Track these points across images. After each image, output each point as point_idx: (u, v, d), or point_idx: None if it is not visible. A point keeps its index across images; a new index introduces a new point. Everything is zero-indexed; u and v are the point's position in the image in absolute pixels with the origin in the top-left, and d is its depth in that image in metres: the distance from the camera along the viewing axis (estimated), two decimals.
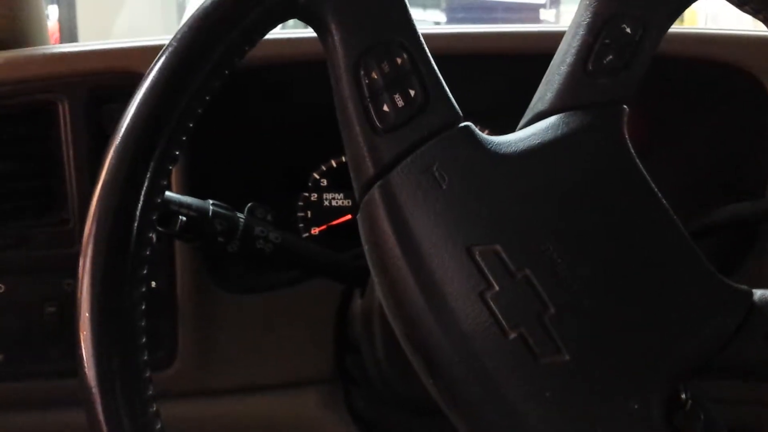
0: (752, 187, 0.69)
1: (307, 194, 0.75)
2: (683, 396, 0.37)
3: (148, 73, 0.39)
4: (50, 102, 0.63)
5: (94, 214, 0.38)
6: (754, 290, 0.37)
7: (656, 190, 0.38)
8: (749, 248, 0.69)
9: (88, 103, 0.64)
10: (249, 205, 0.58)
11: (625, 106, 0.39)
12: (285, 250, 0.59)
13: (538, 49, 0.51)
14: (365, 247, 0.40)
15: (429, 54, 0.39)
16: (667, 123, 0.70)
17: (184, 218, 0.52)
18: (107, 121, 0.63)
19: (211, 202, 0.56)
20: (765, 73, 0.67)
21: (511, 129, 0.41)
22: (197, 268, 0.66)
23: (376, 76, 0.38)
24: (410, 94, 0.38)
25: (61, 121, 0.63)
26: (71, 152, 0.64)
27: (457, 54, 0.64)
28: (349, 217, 0.76)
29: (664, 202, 0.37)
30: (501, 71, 0.67)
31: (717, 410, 0.52)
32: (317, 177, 0.75)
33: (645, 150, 0.38)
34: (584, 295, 0.36)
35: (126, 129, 0.38)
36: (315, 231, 0.76)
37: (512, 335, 0.36)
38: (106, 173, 0.38)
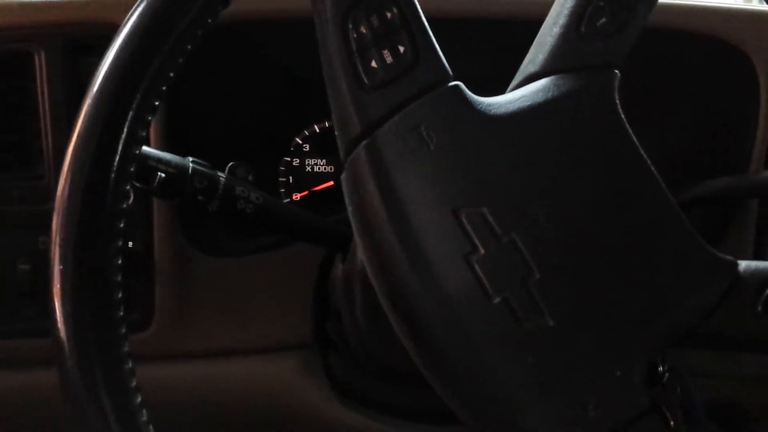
0: (737, 161, 0.69)
1: (289, 159, 0.74)
2: (661, 368, 0.37)
3: (126, 22, 0.37)
4: (25, 52, 0.62)
5: (69, 165, 0.37)
6: (739, 261, 0.37)
7: (645, 156, 0.37)
8: (731, 223, 0.70)
9: (65, 54, 0.62)
10: (230, 164, 0.57)
11: (617, 71, 0.38)
12: (266, 211, 0.58)
13: (531, 15, 0.50)
14: (349, 208, 0.39)
15: (420, 10, 0.38)
16: (655, 95, 0.70)
17: (163, 175, 0.51)
18: (84, 75, 0.62)
19: (191, 159, 0.54)
20: (753, 49, 0.67)
21: (502, 93, 0.40)
22: (176, 229, 0.65)
23: (364, 31, 0.37)
24: (399, 51, 0.37)
25: (37, 72, 0.62)
26: (47, 105, 0.62)
27: (449, 17, 0.63)
28: (331, 183, 0.75)
29: (653, 169, 0.37)
30: (493, 36, 0.66)
31: (695, 383, 0.52)
32: (300, 142, 0.74)
33: (631, 120, 0.38)
34: (570, 260, 0.35)
35: (103, 78, 0.37)
36: (296, 197, 0.75)
37: (496, 299, 0.35)
38: (83, 123, 0.37)
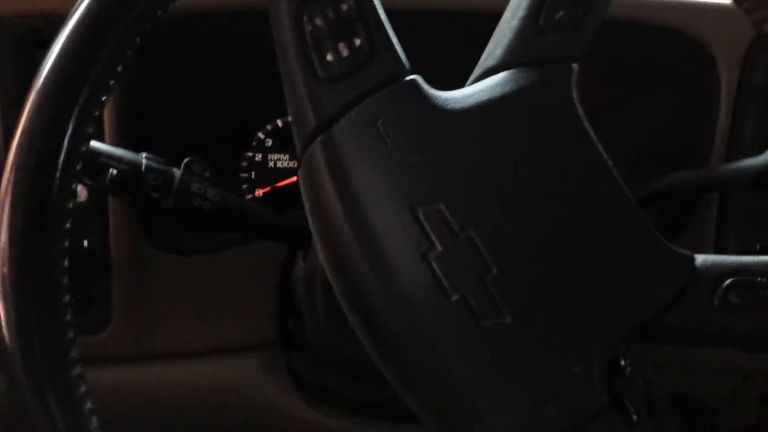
0: (697, 156, 0.70)
1: (251, 154, 0.73)
2: (622, 362, 0.37)
3: (73, 12, 0.36)
4: None
5: (12, 162, 0.35)
6: (695, 255, 0.37)
7: (603, 151, 0.37)
8: (691, 217, 0.70)
9: (18, 47, 0.60)
10: (186, 160, 0.56)
11: (574, 65, 0.38)
12: (224, 208, 0.57)
13: (491, 7, 0.50)
14: (306, 204, 0.38)
15: (377, 2, 0.37)
16: (613, 89, 0.70)
17: (115, 171, 0.50)
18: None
19: (144, 155, 0.53)
20: (714, 42, 0.67)
21: (461, 87, 0.39)
22: (132, 226, 0.64)
23: (319, 23, 0.36)
24: (356, 44, 0.36)
25: None
26: None
27: (409, 9, 0.62)
28: (294, 179, 0.74)
29: (611, 163, 0.37)
30: (454, 28, 0.66)
31: (657, 376, 0.52)
32: (262, 137, 0.73)
33: (591, 115, 0.38)
34: (527, 256, 0.35)
35: (48, 71, 0.36)
36: (259, 192, 0.74)
37: (454, 297, 0.35)
38: (26, 118, 0.36)
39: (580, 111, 0.37)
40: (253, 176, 0.73)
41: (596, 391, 0.35)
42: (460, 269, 0.35)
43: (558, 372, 0.35)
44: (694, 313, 0.36)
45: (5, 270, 0.35)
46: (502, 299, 0.35)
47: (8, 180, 0.35)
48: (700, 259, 0.37)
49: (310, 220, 0.38)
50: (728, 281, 0.36)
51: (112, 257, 0.63)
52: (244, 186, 0.73)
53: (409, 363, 0.36)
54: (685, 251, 0.37)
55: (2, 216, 0.35)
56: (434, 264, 0.35)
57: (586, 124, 0.37)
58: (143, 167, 0.52)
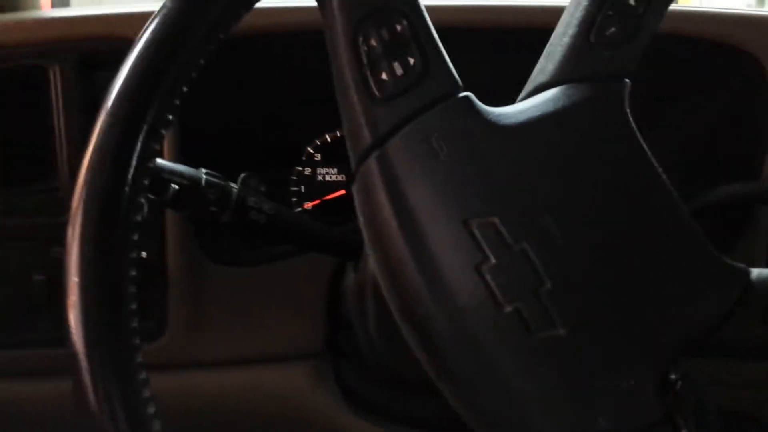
0: (749, 168, 0.69)
1: (300, 168, 0.74)
2: (673, 376, 0.37)
3: (141, 36, 0.38)
4: (40, 67, 0.62)
5: (84, 177, 0.37)
6: (751, 269, 0.37)
7: (657, 165, 0.37)
8: (742, 230, 0.69)
9: (79, 69, 0.63)
10: (243, 175, 0.57)
11: (627, 80, 0.38)
12: (278, 221, 0.58)
13: (540, 24, 0.50)
14: (360, 219, 0.39)
15: (429, 22, 0.38)
16: (665, 102, 0.69)
17: (176, 187, 0.52)
18: (99, 89, 0.62)
19: (203, 170, 0.55)
20: (763, 52, 0.66)
21: (512, 104, 0.40)
22: (188, 239, 0.66)
23: (374, 44, 0.37)
24: (410, 63, 0.37)
25: (52, 87, 0.62)
26: (62, 119, 0.63)
27: (459, 27, 0.63)
28: (343, 192, 0.75)
29: (665, 177, 0.37)
30: (503, 46, 0.66)
31: (712, 392, 0.52)
32: (311, 151, 0.74)
33: (643, 128, 0.38)
34: (581, 269, 0.35)
35: (117, 92, 0.37)
36: (308, 206, 0.75)
37: (507, 309, 0.35)
38: (98, 136, 0.37)
39: (634, 126, 0.37)
40: (302, 190, 0.74)
41: (648, 405, 0.35)
42: (513, 282, 0.35)
43: (610, 386, 0.35)
44: (749, 328, 0.36)
45: (76, 279, 0.37)
46: (556, 312, 0.35)
47: (80, 194, 0.37)
48: (756, 273, 0.37)
49: (364, 234, 0.39)
50: None
51: (169, 268, 0.65)
52: (294, 199, 0.75)
53: (462, 375, 0.36)
54: (741, 265, 0.37)
55: (74, 227, 0.37)
56: (488, 276, 0.35)
57: (640, 139, 0.37)
58: (203, 182, 0.54)
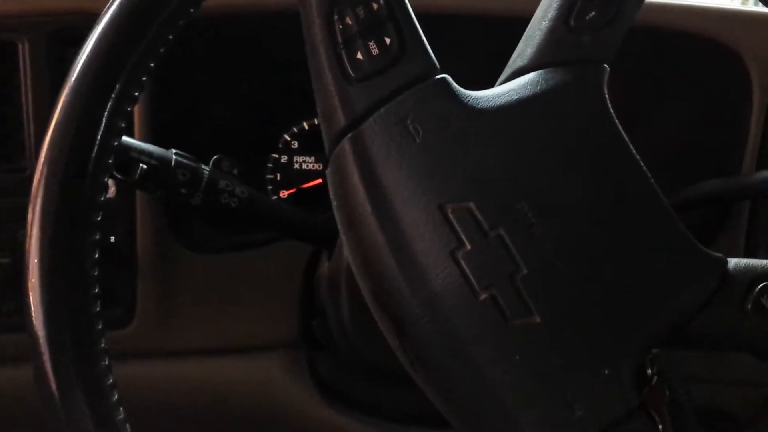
0: (729, 163, 0.69)
1: (277, 156, 0.73)
2: (649, 371, 0.36)
3: (107, 8, 0.37)
4: (9, 42, 0.61)
5: (46, 155, 0.36)
6: (729, 258, 0.37)
7: (634, 151, 0.37)
8: (722, 225, 0.69)
9: (50, 45, 0.61)
10: (215, 157, 0.56)
11: (606, 65, 0.38)
12: (251, 206, 0.57)
13: (520, 10, 0.50)
14: (333, 202, 0.38)
15: (407, 1, 0.37)
16: (645, 96, 0.70)
17: (145, 166, 0.50)
18: (69, 66, 0.61)
19: (174, 151, 0.54)
20: (747, 50, 0.66)
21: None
22: (159, 223, 0.64)
23: (350, 22, 0.36)
24: (386, 43, 0.36)
25: (21, 62, 0.61)
26: (30, 96, 0.61)
27: (437, 13, 0.62)
28: (319, 181, 0.74)
29: (642, 163, 0.36)
30: (481, 31, 0.66)
31: (691, 389, 0.51)
32: (288, 139, 0.73)
33: (622, 121, 0.37)
34: (558, 256, 0.35)
35: (81, 67, 0.36)
36: (284, 194, 0.74)
37: (483, 296, 0.34)
38: (60, 113, 0.36)
39: (612, 111, 0.37)
40: (278, 178, 0.73)
41: (624, 394, 0.35)
42: (489, 268, 0.34)
43: (587, 373, 0.34)
44: (726, 317, 0.36)
45: (36, 261, 0.36)
46: (532, 299, 0.34)
47: (41, 172, 0.36)
48: (733, 262, 0.36)
49: (337, 218, 0.38)
50: (761, 285, 0.35)
51: (138, 254, 0.64)
52: (270, 187, 0.74)
53: (436, 362, 0.36)
54: (718, 254, 0.36)
55: (35, 207, 0.36)
56: (463, 262, 0.35)
57: (618, 124, 0.37)
58: (173, 163, 0.53)
